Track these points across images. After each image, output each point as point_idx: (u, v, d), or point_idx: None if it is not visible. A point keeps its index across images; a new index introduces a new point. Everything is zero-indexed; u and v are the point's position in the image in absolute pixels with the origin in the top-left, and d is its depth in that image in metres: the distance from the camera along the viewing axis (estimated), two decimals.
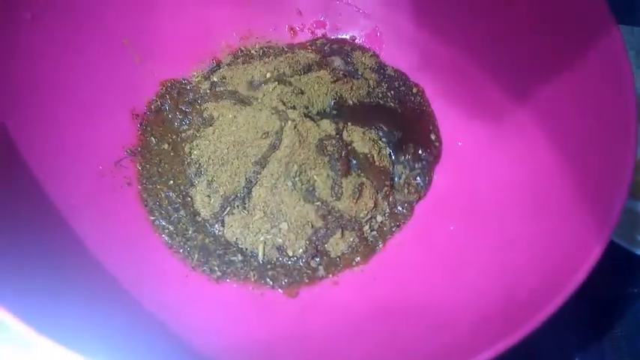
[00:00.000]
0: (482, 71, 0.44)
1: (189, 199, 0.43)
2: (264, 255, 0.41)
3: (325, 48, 0.51)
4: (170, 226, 0.42)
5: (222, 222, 0.42)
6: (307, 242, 0.41)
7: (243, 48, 0.51)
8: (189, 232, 0.42)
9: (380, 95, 0.49)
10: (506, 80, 0.43)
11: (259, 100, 0.44)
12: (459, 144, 0.46)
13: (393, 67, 0.51)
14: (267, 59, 0.49)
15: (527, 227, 0.37)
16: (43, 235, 0.35)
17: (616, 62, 0.35)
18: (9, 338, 0.41)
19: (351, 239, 0.42)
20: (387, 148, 0.45)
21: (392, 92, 0.49)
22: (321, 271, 0.42)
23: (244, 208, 0.42)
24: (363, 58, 0.51)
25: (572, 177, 0.35)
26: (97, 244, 0.37)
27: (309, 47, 0.51)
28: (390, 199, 0.44)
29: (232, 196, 0.42)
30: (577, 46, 0.37)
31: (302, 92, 0.45)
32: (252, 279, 0.41)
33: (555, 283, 0.30)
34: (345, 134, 0.44)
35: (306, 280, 0.41)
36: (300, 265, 0.41)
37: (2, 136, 0.35)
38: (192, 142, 0.45)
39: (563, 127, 0.38)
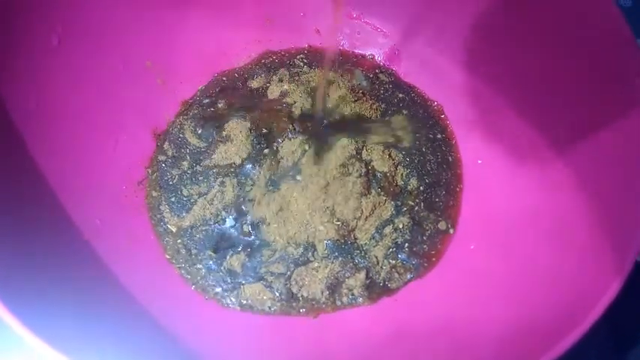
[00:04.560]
0: (503, 96, 0.44)
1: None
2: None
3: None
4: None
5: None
6: (327, 285, 0.41)
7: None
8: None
9: (399, 113, 0.48)
10: (526, 109, 0.42)
11: None
12: (479, 162, 0.46)
13: (411, 85, 0.51)
14: (285, 78, 0.49)
15: (548, 254, 0.36)
16: (66, 255, 0.36)
17: (632, 90, 0.34)
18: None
19: (369, 281, 0.41)
20: (406, 168, 0.45)
21: (411, 111, 0.49)
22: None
23: (260, 230, 0.42)
24: (382, 76, 0.51)
25: (593, 210, 0.35)
26: (118, 264, 0.38)
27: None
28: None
29: (248, 219, 0.42)
30: (596, 77, 0.36)
31: (322, 111, 0.45)
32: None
33: (576, 313, 0.30)
34: (364, 153, 0.44)
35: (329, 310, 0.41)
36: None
37: (24, 154, 0.36)
38: (207, 161, 0.45)
39: (583, 161, 0.37)
